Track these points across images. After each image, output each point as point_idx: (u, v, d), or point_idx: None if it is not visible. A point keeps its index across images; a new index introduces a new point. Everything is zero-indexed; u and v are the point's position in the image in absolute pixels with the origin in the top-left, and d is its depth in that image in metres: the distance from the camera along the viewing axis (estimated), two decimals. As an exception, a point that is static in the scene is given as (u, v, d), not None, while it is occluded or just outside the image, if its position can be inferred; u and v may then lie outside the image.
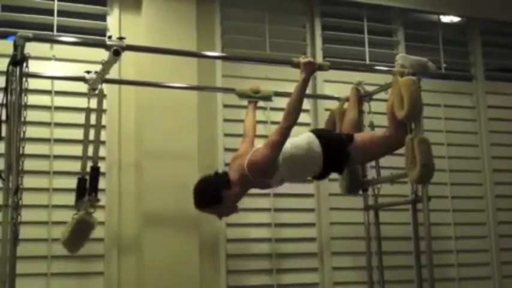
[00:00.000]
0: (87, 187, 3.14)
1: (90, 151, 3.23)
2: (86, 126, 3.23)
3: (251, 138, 3.33)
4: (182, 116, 3.66)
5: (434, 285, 3.20)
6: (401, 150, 3.28)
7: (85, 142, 3.22)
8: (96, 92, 3.24)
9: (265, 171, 2.95)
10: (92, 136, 3.21)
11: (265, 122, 3.91)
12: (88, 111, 3.25)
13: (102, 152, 3.45)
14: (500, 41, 4.85)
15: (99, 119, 3.23)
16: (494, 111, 4.64)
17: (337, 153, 3.21)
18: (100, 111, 3.23)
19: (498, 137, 4.61)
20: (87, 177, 3.18)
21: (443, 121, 4.46)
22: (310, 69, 3.04)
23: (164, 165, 3.56)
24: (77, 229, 3.09)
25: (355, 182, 3.73)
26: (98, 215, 3.39)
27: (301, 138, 3.18)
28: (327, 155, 3.17)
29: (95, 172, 3.18)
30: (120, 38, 2.80)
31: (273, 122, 3.84)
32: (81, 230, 3.10)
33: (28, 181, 2.75)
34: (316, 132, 3.30)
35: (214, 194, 2.91)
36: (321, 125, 4.00)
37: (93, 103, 3.26)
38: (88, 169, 3.19)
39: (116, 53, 2.76)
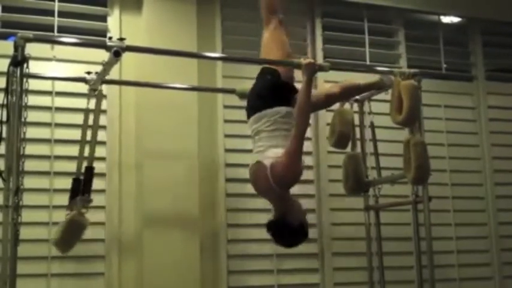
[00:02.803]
0: (82, 187, 3.14)
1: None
2: (84, 126, 3.24)
3: None
4: (182, 116, 3.66)
5: (435, 286, 3.21)
6: (401, 151, 3.29)
7: (82, 143, 3.23)
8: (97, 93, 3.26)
9: (295, 180, 2.88)
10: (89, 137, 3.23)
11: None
12: (86, 112, 3.25)
13: (102, 152, 3.46)
14: (501, 41, 4.85)
15: (96, 119, 3.23)
16: (494, 111, 4.64)
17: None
18: (98, 111, 3.24)
19: (499, 138, 4.60)
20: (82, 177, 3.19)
21: (443, 121, 4.46)
22: (312, 70, 3.02)
23: (164, 166, 3.56)
24: (69, 230, 3.07)
25: (359, 183, 3.73)
26: (99, 216, 3.40)
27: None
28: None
29: (89, 172, 3.17)
30: (121, 39, 2.79)
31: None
32: (73, 231, 3.09)
33: (28, 182, 2.75)
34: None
35: None
36: (321, 124, 4.01)
37: (93, 104, 3.27)
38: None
39: (116, 54, 2.75)
